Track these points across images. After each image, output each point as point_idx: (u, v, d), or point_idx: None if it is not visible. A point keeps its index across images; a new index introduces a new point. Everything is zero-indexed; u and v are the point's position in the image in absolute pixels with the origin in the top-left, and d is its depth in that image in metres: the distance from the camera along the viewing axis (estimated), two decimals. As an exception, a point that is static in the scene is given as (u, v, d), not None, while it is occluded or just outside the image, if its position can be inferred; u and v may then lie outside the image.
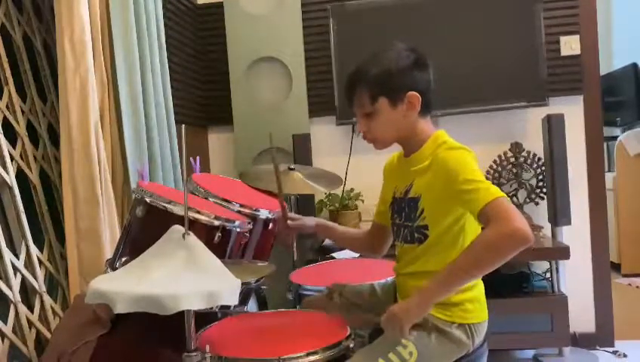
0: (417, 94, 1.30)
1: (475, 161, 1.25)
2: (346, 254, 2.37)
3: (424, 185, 1.30)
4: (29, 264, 1.83)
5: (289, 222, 1.63)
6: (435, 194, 1.27)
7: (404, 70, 1.31)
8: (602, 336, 2.77)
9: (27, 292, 1.84)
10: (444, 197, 1.25)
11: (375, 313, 1.40)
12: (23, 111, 1.94)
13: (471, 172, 1.20)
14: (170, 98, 2.35)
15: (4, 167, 1.78)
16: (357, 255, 2.30)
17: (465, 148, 1.27)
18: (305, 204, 2.67)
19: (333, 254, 2.40)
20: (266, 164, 2.69)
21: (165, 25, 2.37)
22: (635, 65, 4.53)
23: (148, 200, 1.52)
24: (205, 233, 1.48)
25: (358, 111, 1.36)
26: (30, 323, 1.79)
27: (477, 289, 1.32)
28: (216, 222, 1.52)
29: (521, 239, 1.10)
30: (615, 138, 4.28)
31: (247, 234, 1.67)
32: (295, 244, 1.89)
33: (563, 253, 2.40)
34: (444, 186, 1.23)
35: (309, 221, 1.67)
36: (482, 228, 1.19)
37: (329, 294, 1.58)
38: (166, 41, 2.35)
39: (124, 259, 1.54)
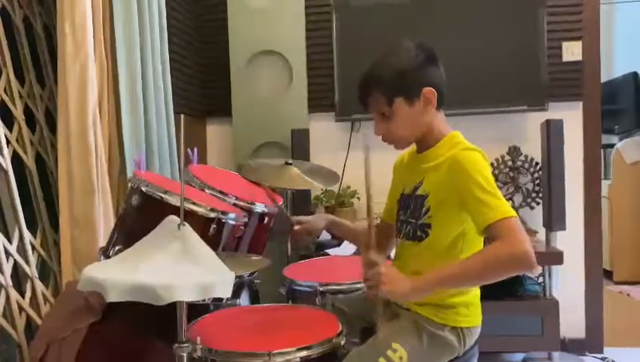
0: (433, 89, 1.31)
1: (488, 165, 1.26)
2: (341, 251, 2.37)
3: (434, 184, 1.30)
4: (21, 249, 1.82)
5: (295, 227, 1.66)
6: (445, 194, 1.27)
7: (416, 68, 1.31)
8: (592, 342, 2.78)
9: (19, 278, 1.83)
10: (453, 198, 1.24)
11: (366, 321, 1.40)
12: (20, 95, 1.92)
13: (485, 179, 1.20)
14: (170, 88, 2.33)
15: (0, 151, 1.77)
16: (351, 252, 2.30)
17: (480, 151, 1.28)
18: (301, 200, 2.66)
19: (328, 251, 2.40)
20: (264, 158, 2.69)
21: (167, 14, 2.36)
22: (635, 73, 4.54)
23: (144, 189, 1.52)
24: (200, 224, 1.47)
25: (375, 115, 1.35)
26: (21, 308, 1.78)
27: (472, 293, 1.32)
28: (212, 214, 1.52)
29: (529, 263, 1.14)
30: (612, 146, 4.29)
31: (243, 228, 1.67)
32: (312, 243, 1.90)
33: (556, 258, 2.40)
34: (456, 188, 1.23)
35: (318, 222, 1.69)
36: (485, 239, 1.20)
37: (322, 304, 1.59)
38: (168, 31, 2.34)
39: (117, 248, 1.53)
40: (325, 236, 2.50)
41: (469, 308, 1.30)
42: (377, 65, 1.33)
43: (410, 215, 1.35)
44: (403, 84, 1.30)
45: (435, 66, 1.33)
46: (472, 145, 1.30)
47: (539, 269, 2.56)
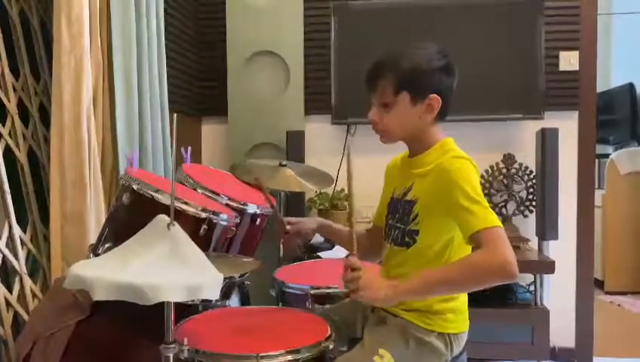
0: (439, 98, 1.30)
1: (477, 174, 1.25)
2: (333, 254, 2.36)
3: (422, 190, 1.29)
4: (10, 244, 1.81)
5: (287, 226, 1.61)
6: (432, 201, 1.26)
7: (433, 71, 1.30)
8: (581, 352, 2.78)
9: (7, 273, 1.81)
10: (440, 205, 1.24)
11: (355, 330, 1.39)
12: (14, 89, 1.91)
13: (472, 188, 1.20)
14: (166, 85, 2.32)
15: (-8, 144, 1.75)
16: (343, 255, 2.29)
17: (469, 160, 1.27)
18: (295, 202, 2.65)
19: (320, 253, 2.39)
20: (259, 158, 2.69)
21: (165, 11, 2.35)
22: (631, 85, 4.56)
23: (135, 187, 1.51)
24: (191, 224, 1.47)
25: (376, 99, 1.33)
26: (8, 304, 1.76)
27: (460, 299, 1.32)
28: (203, 214, 1.51)
29: (509, 274, 1.12)
30: (607, 156, 4.31)
31: (234, 229, 1.66)
32: (302, 247, 1.86)
33: (548, 267, 2.41)
34: (443, 195, 1.23)
35: (310, 223, 1.64)
36: (472, 248, 1.19)
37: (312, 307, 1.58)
38: (165, 28, 2.33)
39: (107, 246, 1.52)
40: (318, 239, 2.49)
41: (457, 314, 1.30)
42: (398, 53, 1.31)
43: (398, 220, 1.34)
44: (415, 81, 1.29)
45: (451, 77, 1.32)
46: (462, 152, 1.29)
47: (529, 278, 2.56)
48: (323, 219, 1.74)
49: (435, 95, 1.29)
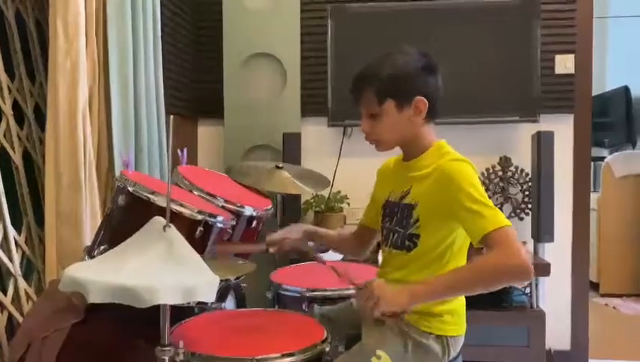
0: (425, 100, 1.29)
1: (476, 175, 1.25)
2: (329, 257, 2.36)
3: (423, 194, 1.29)
4: (5, 245, 1.80)
5: (270, 250, 1.60)
6: (434, 205, 1.26)
7: (414, 74, 1.30)
8: (577, 354, 2.79)
9: (2, 275, 1.80)
10: (442, 209, 1.24)
11: (353, 328, 1.39)
12: (10, 90, 1.90)
13: (476, 190, 1.20)
14: (162, 87, 2.32)
15: (-13, 146, 1.74)
16: (340, 258, 2.29)
17: (467, 161, 1.27)
18: (291, 204, 2.65)
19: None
20: (255, 160, 2.68)
21: (161, 13, 2.34)
22: (626, 88, 4.59)
23: (131, 189, 1.50)
24: (187, 226, 1.46)
25: (363, 111, 1.34)
26: (2, 306, 1.75)
27: (457, 302, 1.32)
28: (199, 216, 1.50)
29: (525, 273, 1.13)
30: (602, 159, 4.33)
31: (230, 231, 1.66)
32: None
33: (544, 269, 2.41)
34: (446, 199, 1.23)
35: (294, 234, 1.62)
36: (473, 248, 1.20)
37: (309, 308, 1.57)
38: (161, 30, 2.32)
39: (102, 248, 1.51)
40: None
41: (454, 316, 1.30)
42: (376, 63, 1.32)
43: (396, 223, 1.34)
44: (396, 88, 1.29)
45: (433, 77, 1.32)
46: (459, 155, 1.30)
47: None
48: (308, 227, 1.71)
49: (419, 97, 1.29)
